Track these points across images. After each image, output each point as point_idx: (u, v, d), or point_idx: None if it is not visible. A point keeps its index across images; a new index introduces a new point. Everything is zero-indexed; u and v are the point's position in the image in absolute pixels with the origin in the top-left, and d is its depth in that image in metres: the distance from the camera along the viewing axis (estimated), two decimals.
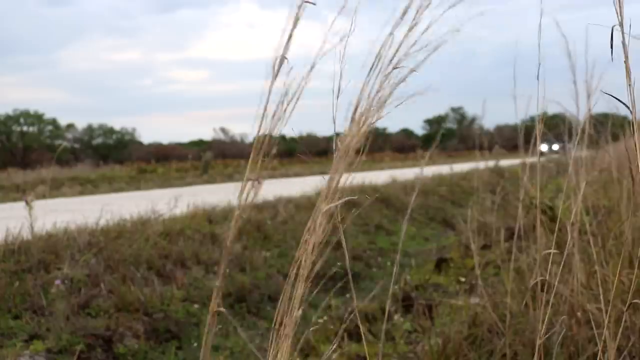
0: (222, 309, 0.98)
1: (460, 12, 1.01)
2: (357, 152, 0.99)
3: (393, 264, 6.00)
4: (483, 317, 2.73)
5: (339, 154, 0.96)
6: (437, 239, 7.35)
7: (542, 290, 2.61)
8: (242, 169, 20.84)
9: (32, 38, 76.81)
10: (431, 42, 0.97)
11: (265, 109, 0.97)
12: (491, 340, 2.61)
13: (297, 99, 0.96)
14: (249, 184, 0.96)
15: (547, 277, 1.64)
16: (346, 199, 0.95)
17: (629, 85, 1.13)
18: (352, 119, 0.97)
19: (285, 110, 0.97)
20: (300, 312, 0.93)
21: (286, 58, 0.96)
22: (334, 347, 0.99)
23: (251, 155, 0.96)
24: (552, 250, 1.39)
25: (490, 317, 2.63)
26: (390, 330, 3.47)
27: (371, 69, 0.98)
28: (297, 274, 0.94)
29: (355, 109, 0.97)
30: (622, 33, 1.11)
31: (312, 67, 0.97)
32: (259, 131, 0.97)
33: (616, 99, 1.18)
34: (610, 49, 1.12)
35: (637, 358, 2.19)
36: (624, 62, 1.12)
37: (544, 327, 1.34)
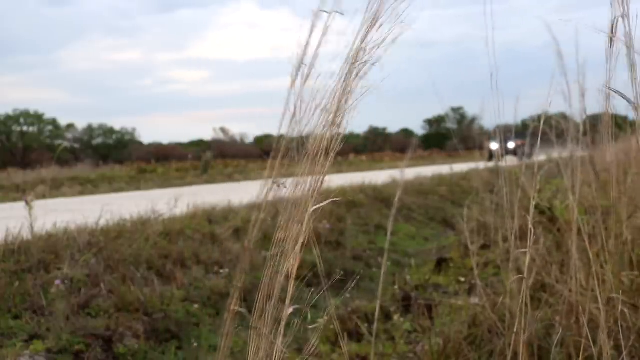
0: (241, 308, 0.97)
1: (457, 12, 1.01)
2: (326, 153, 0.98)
3: (393, 264, 6.00)
4: (483, 317, 2.74)
5: (310, 154, 0.96)
6: (437, 239, 7.36)
7: (539, 289, 2.62)
8: (241, 169, 20.83)
9: (32, 38, 76.89)
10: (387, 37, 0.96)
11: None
12: (491, 340, 2.62)
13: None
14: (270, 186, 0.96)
15: (547, 278, 1.64)
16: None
17: (634, 79, 1.10)
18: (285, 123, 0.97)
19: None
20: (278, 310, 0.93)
21: (304, 64, 0.96)
22: (334, 347, 0.99)
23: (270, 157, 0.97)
24: (523, 250, 1.39)
25: (490, 317, 2.63)
26: (390, 330, 3.48)
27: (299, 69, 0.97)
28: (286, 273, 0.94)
29: (293, 114, 0.97)
30: (627, 23, 1.08)
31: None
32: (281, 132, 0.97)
33: (620, 94, 1.15)
34: (610, 43, 1.09)
35: (637, 358, 2.19)
36: (626, 55, 1.09)
37: (526, 324, 1.34)
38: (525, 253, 2.93)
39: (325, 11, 0.96)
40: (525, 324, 1.39)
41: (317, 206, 0.94)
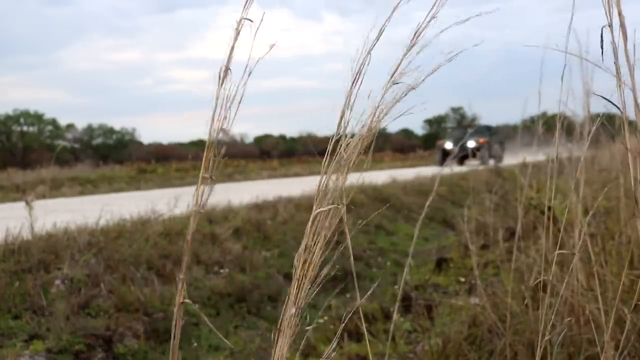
0: (188, 301, 1.01)
1: (460, 13, 1.01)
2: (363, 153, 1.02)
3: (393, 264, 6.00)
4: (483, 317, 2.73)
5: (342, 158, 0.99)
6: (437, 239, 7.36)
7: (542, 290, 2.61)
8: (241, 169, 20.84)
9: (32, 38, 77.04)
10: (428, 62, 0.99)
11: (214, 113, 1.03)
12: (491, 341, 2.61)
13: (240, 102, 1.02)
14: (205, 182, 1.02)
15: (547, 278, 1.64)
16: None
17: (619, 86, 1.14)
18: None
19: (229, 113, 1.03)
20: (297, 315, 0.95)
21: (230, 69, 1.02)
22: (334, 347, 0.99)
23: (204, 156, 1.03)
24: (561, 251, 1.39)
25: (490, 317, 2.63)
26: (390, 330, 3.47)
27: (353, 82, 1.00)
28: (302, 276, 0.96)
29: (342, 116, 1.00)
30: (612, 33, 1.12)
31: (249, 73, 1.02)
32: (211, 133, 1.04)
33: (606, 99, 1.18)
34: (601, 50, 1.13)
35: (637, 358, 2.19)
36: (614, 62, 1.13)
37: (543, 327, 1.35)
38: (524, 253, 2.93)
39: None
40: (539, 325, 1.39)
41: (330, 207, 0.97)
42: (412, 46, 0.99)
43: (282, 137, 55.42)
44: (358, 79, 0.99)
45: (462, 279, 4.51)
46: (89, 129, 51.85)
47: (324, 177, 1.00)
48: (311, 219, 0.97)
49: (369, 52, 0.99)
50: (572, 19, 1.53)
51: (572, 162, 2.53)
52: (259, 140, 54.78)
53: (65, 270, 3.89)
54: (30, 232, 4.29)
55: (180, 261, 4.69)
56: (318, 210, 0.97)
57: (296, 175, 17.54)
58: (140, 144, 50.61)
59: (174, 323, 1.00)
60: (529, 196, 3.23)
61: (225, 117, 1.03)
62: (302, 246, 0.96)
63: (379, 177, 11.24)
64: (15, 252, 4.03)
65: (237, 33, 1.01)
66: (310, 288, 0.97)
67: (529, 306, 2.50)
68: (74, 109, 75.24)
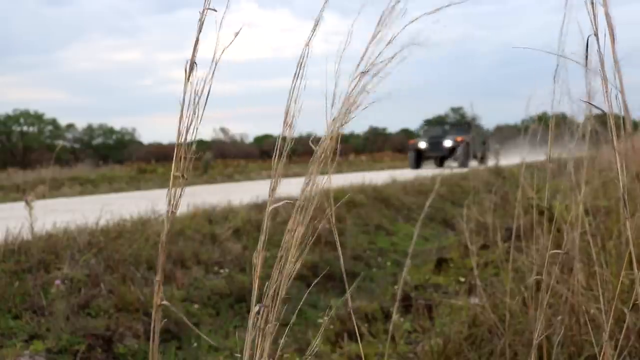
0: (166, 302, 1.00)
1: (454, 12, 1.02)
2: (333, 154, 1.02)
3: (393, 264, 6.00)
4: (483, 317, 2.73)
5: (316, 157, 1.00)
6: (437, 239, 7.35)
7: (539, 290, 2.61)
8: (241, 169, 20.84)
9: (32, 38, 77.09)
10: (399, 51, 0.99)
11: (182, 112, 1.02)
12: (491, 341, 2.61)
13: (206, 101, 1.01)
14: (177, 182, 1.02)
15: (547, 278, 1.64)
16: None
17: (606, 92, 1.17)
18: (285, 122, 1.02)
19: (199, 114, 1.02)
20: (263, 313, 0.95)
21: (196, 63, 1.01)
22: (333, 347, 0.99)
23: (174, 155, 1.02)
24: (558, 251, 1.39)
25: (490, 317, 2.63)
26: (390, 330, 3.47)
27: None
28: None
29: (286, 114, 1.01)
30: (598, 42, 1.16)
31: (213, 71, 1.01)
32: (185, 131, 1.02)
33: (593, 105, 1.23)
34: (585, 59, 1.16)
35: (637, 358, 2.19)
36: (599, 70, 1.17)
37: (541, 326, 1.35)
38: (524, 253, 2.93)
39: None
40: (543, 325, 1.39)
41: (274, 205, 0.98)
42: (377, 33, 0.99)
43: (282, 137, 55.15)
44: (300, 73, 0.99)
45: (462, 279, 4.51)
46: (89, 129, 51.91)
47: (275, 177, 1.01)
48: (265, 216, 0.98)
49: (307, 44, 0.98)
50: (564, 21, 1.53)
51: (570, 162, 2.53)
52: (259, 140, 54.78)
53: (65, 270, 3.89)
54: (30, 232, 4.29)
55: (181, 261, 4.69)
56: (272, 207, 0.98)
57: (296, 175, 17.54)
58: (140, 144, 50.66)
59: (152, 325, 1.00)
60: (529, 196, 3.23)
61: (195, 114, 1.02)
62: (260, 244, 0.97)
63: (379, 177, 11.24)
64: (15, 252, 4.03)
65: (201, 24, 0.99)
66: (279, 285, 0.97)
67: (529, 306, 2.50)
68: (74, 109, 75.36)
